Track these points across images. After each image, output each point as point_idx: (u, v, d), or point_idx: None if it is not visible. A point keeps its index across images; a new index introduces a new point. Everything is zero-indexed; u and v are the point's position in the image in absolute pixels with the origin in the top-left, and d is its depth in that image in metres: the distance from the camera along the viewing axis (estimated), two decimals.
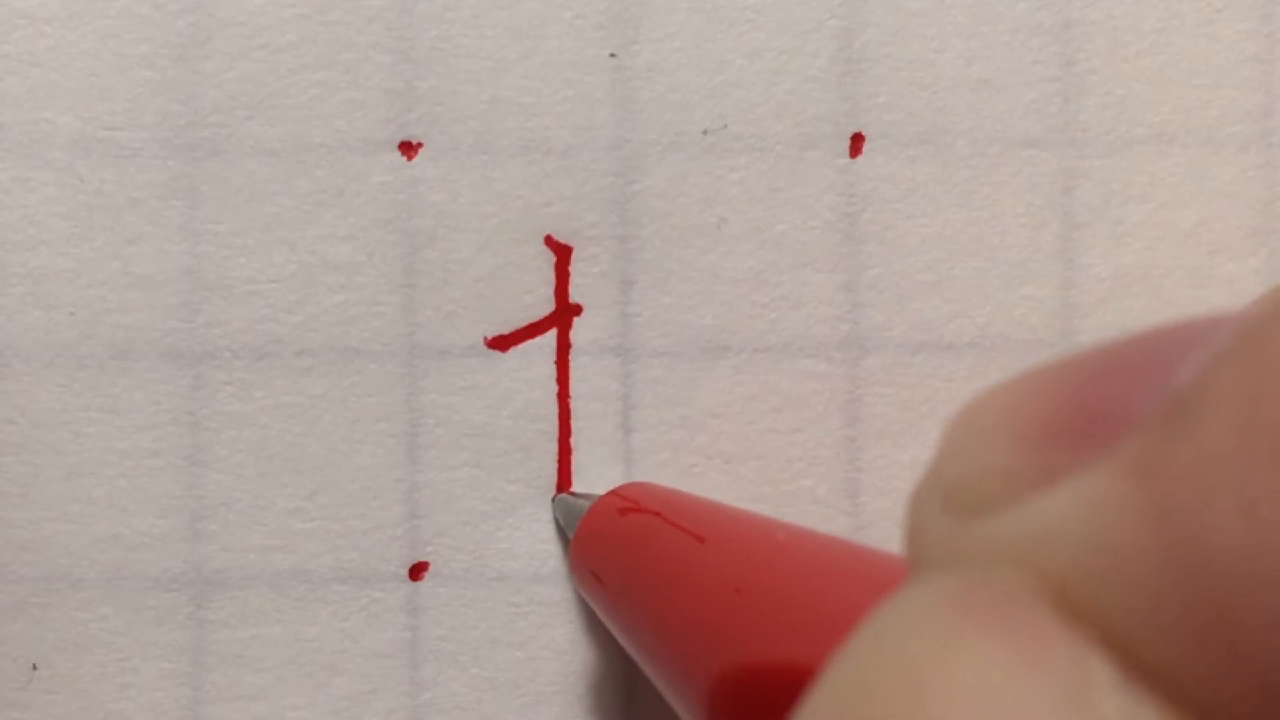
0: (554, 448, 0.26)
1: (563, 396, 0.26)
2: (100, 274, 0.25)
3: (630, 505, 0.23)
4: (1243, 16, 0.27)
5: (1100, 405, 0.10)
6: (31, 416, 0.25)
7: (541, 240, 0.26)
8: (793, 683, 0.14)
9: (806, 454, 0.26)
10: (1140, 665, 0.09)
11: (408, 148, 0.26)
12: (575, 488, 0.26)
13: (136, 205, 0.25)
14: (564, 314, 0.26)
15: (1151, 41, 0.27)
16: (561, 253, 0.26)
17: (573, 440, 0.26)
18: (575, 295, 0.26)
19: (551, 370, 0.26)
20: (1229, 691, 0.09)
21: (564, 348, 0.26)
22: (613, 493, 0.24)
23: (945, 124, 0.26)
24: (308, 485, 0.26)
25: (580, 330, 0.26)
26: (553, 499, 0.26)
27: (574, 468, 0.26)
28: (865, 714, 0.10)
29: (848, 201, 0.26)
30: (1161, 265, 0.27)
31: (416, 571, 0.26)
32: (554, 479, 0.26)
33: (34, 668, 0.25)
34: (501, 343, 0.26)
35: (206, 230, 0.26)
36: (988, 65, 0.26)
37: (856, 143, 0.26)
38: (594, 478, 0.26)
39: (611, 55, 0.26)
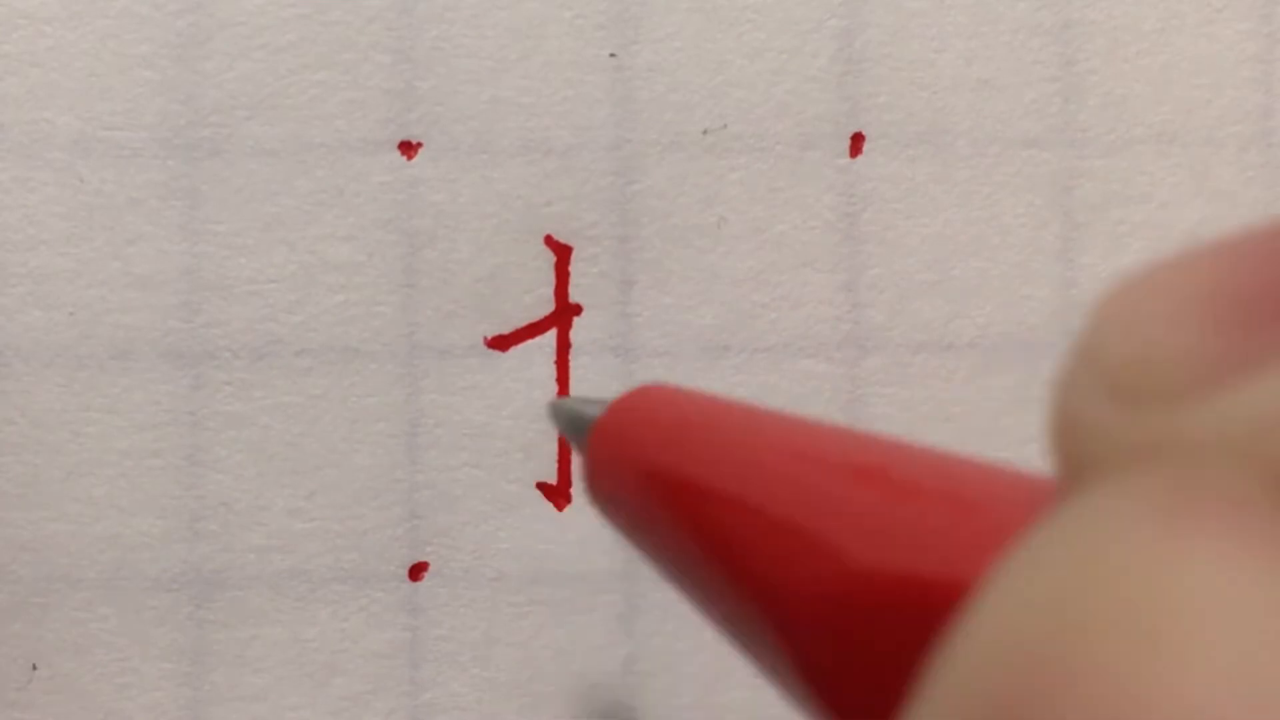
0: (554, 448, 0.26)
1: (563, 396, 0.26)
2: (100, 274, 0.25)
3: (660, 408, 0.19)
4: (1243, 16, 0.27)
5: None
6: (31, 416, 0.25)
7: (541, 240, 0.26)
8: (908, 605, 0.12)
9: None
10: None
11: (408, 148, 0.26)
12: (576, 483, 0.26)
13: (136, 205, 0.25)
14: (564, 314, 0.26)
15: (1151, 41, 0.27)
16: (561, 253, 0.26)
17: None
18: (575, 295, 0.26)
19: (551, 370, 0.26)
20: None
21: (564, 348, 0.26)
22: (633, 393, 0.21)
23: (945, 124, 0.26)
24: (307, 485, 0.26)
25: (580, 330, 0.26)
26: (549, 404, 0.24)
27: (574, 468, 0.26)
28: (1079, 636, 0.09)
29: (848, 201, 0.26)
30: None
31: (416, 571, 0.26)
32: (554, 479, 0.26)
33: (34, 668, 0.25)
34: (501, 343, 0.26)
35: (206, 230, 0.26)
36: (988, 65, 0.26)
37: (856, 143, 0.26)
38: None
39: (611, 55, 0.26)
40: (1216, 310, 0.10)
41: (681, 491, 0.18)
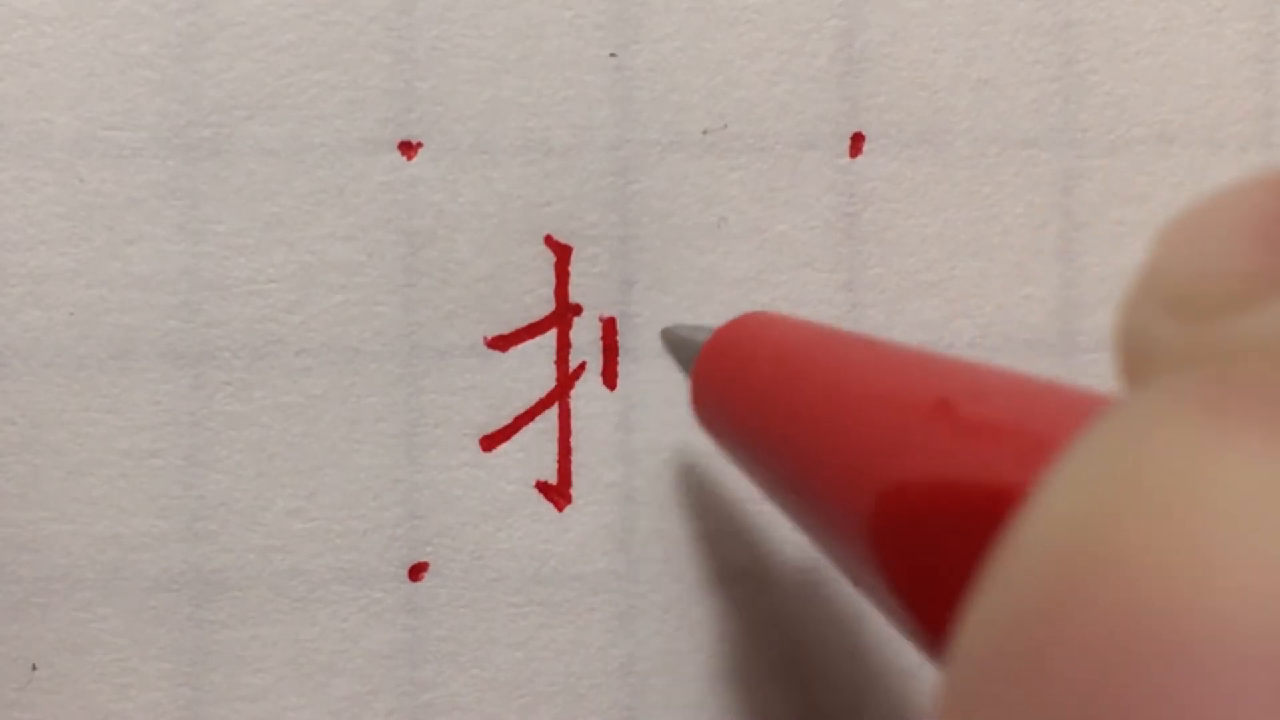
0: (554, 448, 0.26)
1: (563, 396, 0.26)
2: (100, 274, 0.25)
3: (763, 331, 0.21)
4: (1243, 16, 0.27)
5: None
6: (31, 416, 0.25)
7: (541, 240, 0.26)
8: (977, 507, 0.13)
9: None
10: None
11: (408, 148, 0.26)
12: (576, 483, 0.26)
13: (136, 205, 0.25)
14: (564, 314, 0.26)
15: (1151, 41, 0.27)
16: (561, 253, 0.26)
17: (573, 440, 0.26)
18: (575, 295, 0.26)
19: (551, 370, 0.26)
20: None
21: (564, 348, 0.26)
22: (734, 324, 0.22)
23: (945, 124, 0.26)
24: (307, 485, 0.26)
25: (580, 330, 0.26)
26: (661, 332, 0.25)
27: (574, 468, 0.26)
28: (1122, 519, 0.09)
29: (848, 201, 0.26)
30: None
31: (416, 572, 0.26)
32: (554, 479, 0.26)
33: (34, 668, 0.25)
34: (501, 343, 0.26)
35: (206, 230, 0.26)
36: (988, 65, 0.26)
37: (856, 143, 0.26)
38: (594, 478, 0.26)
39: (611, 55, 0.26)
40: (1267, 232, 0.10)
41: (775, 405, 0.19)
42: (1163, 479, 0.09)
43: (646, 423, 0.26)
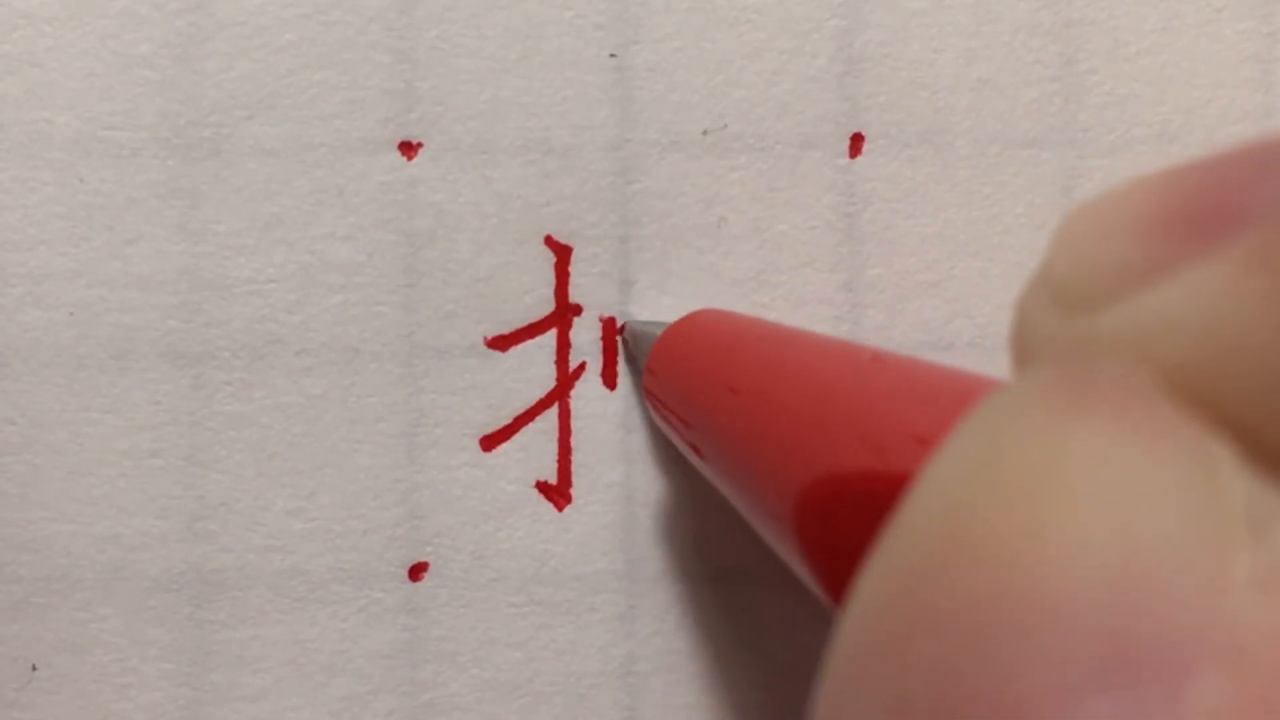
0: (554, 448, 0.26)
1: (563, 396, 0.26)
2: (100, 274, 0.25)
3: (705, 326, 0.23)
4: (1243, 16, 0.27)
5: (1215, 203, 0.10)
6: (31, 416, 0.25)
7: (541, 240, 0.26)
8: (883, 491, 0.14)
9: None
10: (1263, 450, 0.09)
11: (408, 148, 0.26)
12: (576, 483, 0.26)
13: (136, 205, 0.25)
14: (564, 314, 0.26)
15: (1151, 41, 0.27)
16: (561, 253, 0.26)
17: (573, 440, 0.26)
18: (575, 295, 0.26)
19: (551, 370, 0.26)
20: None
21: (564, 348, 0.26)
22: (687, 317, 0.24)
23: (945, 124, 0.26)
24: (307, 485, 0.26)
25: (580, 330, 0.26)
26: (621, 327, 0.26)
27: (574, 468, 0.26)
28: (977, 504, 0.10)
29: (848, 201, 0.26)
30: None
31: (416, 572, 0.26)
32: (554, 479, 0.26)
33: (34, 668, 0.25)
34: (501, 343, 0.26)
35: (206, 230, 0.26)
36: (988, 65, 0.26)
37: (856, 143, 0.26)
38: (594, 478, 0.26)
39: (611, 55, 0.26)
40: (1146, 226, 0.11)
41: (710, 396, 0.20)
42: (1017, 464, 0.10)
43: (646, 423, 0.26)
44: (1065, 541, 0.09)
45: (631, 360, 0.26)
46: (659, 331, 0.24)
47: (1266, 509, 0.09)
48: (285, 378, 0.26)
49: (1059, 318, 0.11)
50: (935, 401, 0.15)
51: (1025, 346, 0.11)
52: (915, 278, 0.26)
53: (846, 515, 0.15)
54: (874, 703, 0.10)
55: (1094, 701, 0.08)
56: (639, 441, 0.26)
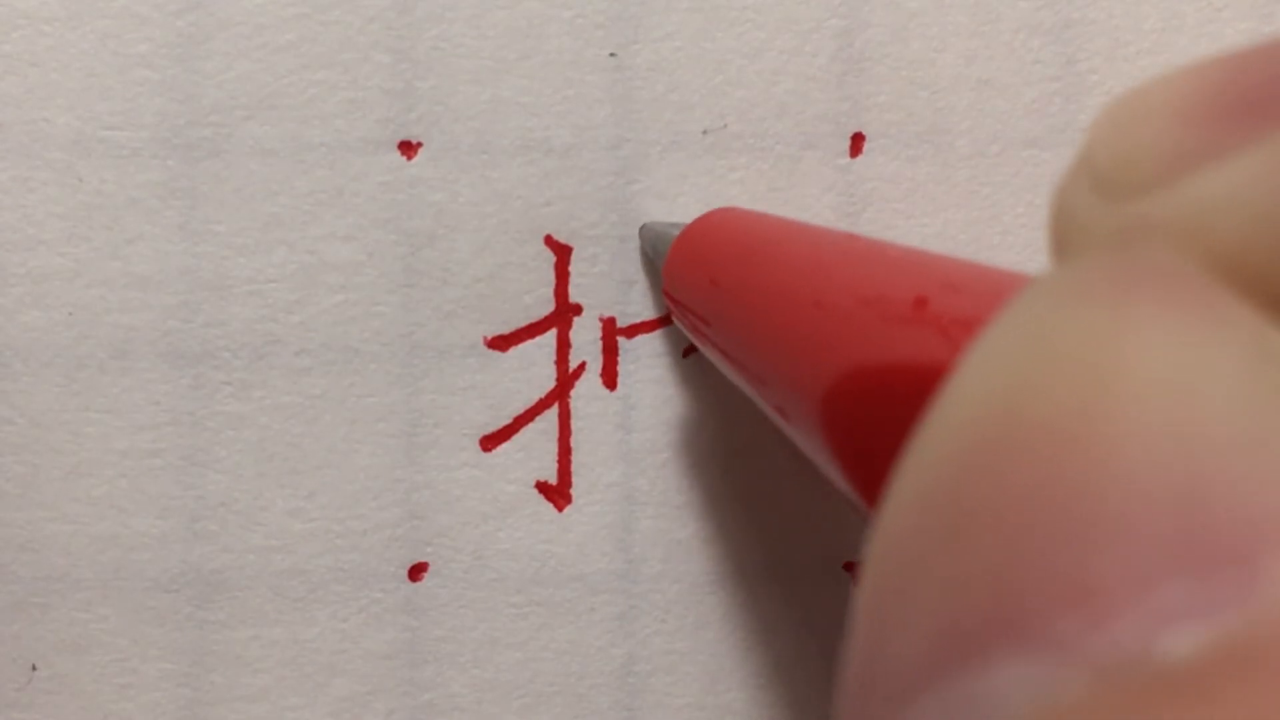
0: (554, 448, 0.26)
1: (563, 396, 0.26)
2: (99, 274, 0.25)
3: (726, 223, 0.23)
4: (1243, 16, 0.27)
5: (1261, 90, 0.10)
6: (31, 416, 0.25)
7: (541, 240, 0.26)
8: (916, 382, 0.13)
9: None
10: None
11: (408, 148, 0.26)
12: (576, 483, 0.26)
13: (135, 205, 0.25)
14: (564, 314, 0.26)
15: (1152, 41, 0.27)
16: (561, 253, 0.26)
17: (573, 440, 0.26)
18: (575, 295, 0.26)
19: (551, 370, 0.26)
20: None
21: (564, 347, 0.26)
22: (704, 217, 0.24)
23: (945, 124, 0.26)
24: (307, 485, 0.26)
25: (580, 330, 0.26)
26: (640, 228, 0.26)
27: (574, 468, 0.26)
28: (1033, 389, 0.09)
29: (848, 201, 0.26)
30: None
31: (416, 572, 0.26)
32: (554, 479, 0.26)
33: (34, 668, 0.25)
34: (501, 343, 0.26)
35: (206, 230, 0.26)
36: (988, 65, 0.26)
37: (856, 143, 0.26)
38: (594, 478, 0.26)
39: (611, 55, 0.26)
40: (1195, 112, 0.11)
41: (739, 294, 0.20)
42: (1072, 349, 0.10)
43: (646, 423, 0.26)
44: (1130, 425, 0.09)
45: (648, 261, 0.26)
46: (676, 232, 0.24)
47: None
48: (285, 378, 0.26)
49: (1102, 205, 0.11)
50: (969, 290, 0.14)
51: (1066, 236, 0.11)
52: None
53: (878, 408, 0.15)
54: (929, 600, 0.09)
55: (1168, 586, 0.08)
56: (639, 441, 0.26)
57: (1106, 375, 0.09)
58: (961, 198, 0.26)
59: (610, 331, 0.26)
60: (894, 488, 0.10)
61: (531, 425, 0.26)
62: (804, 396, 0.16)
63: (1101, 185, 0.11)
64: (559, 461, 0.26)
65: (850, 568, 0.26)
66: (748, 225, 0.22)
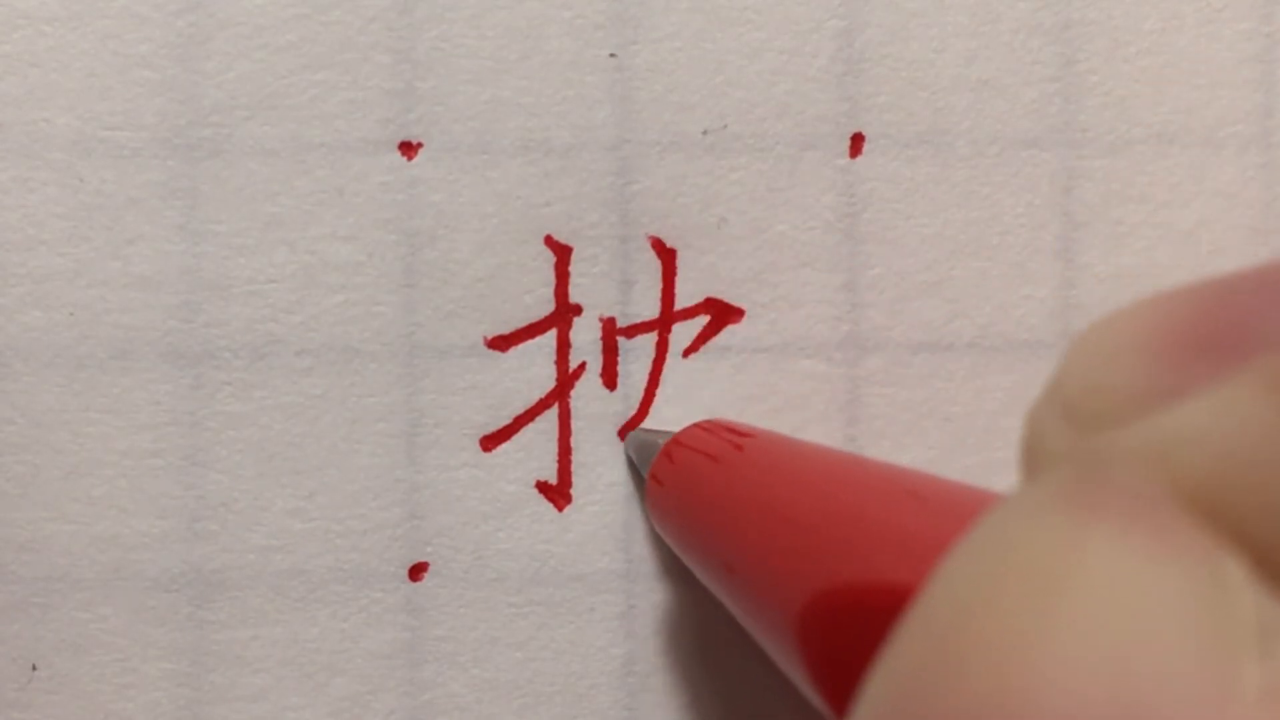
0: (554, 448, 0.26)
1: (563, 396, 0.26)
2: (100, 274, 0.25)
3: (711, 438, 0.23)
4: (1243, 16, 0.27)
5: (1229, 327, 0.11)
6: (31, 416, 0.25)
7: (541, 240, 0.26)
8: (886, 603, 0.14)
9: None
10: (1273, 567, 0.10)
11: (408, 148, 0.26)
12: (576, 483, 0.26)
13: (136, 205, 0.25)
14: (564, 314, 0.26)
15: (1151, 41, 0.27)
16: (561, 253, 0.26)
17: (573, 440, 0.26)
18: (575, 295, 0.26)
19: (551, 370, 0.26)
20: None
21: (564, 347, 0.26)
22: (690, 428, 0.24)
23: (945, 124, 0.26)
24: (307, 485, 0.26)
25: (580, 330, 0.26)
26: (626, 436, 0.26)
27: (574, 468, 0.26)
28: (982, 611, 0.10)
29: (848, 201, 0.26)
30: (1161, 265, 0.27)
31: (416, 572, 0.26)
32: (554, 479, 0.26)
33: (34, 668, 0.25)
34: (501, 343, 0.26)
35: (206, 230, 0.26)
36: (988, 65, 0.26)
37: (856, 143, 0.26)
38: (594, 478, 0.26)
39: (611, 55, 0.26)
40: (1162, 347, 0.11)
41: (713, 513, 0.21)
42: (1023, 571, 0.10)
43: (646, 423, 0.26)
44: (1070, 649, 0.09)
45: (634, 469, 0.26)
46: (662, 442, 0.24)
47: (1276, 623, 0.09)
48: (285, 378, 0.26)
49: (1071, 432, 0.11)
50: (940, 512, 0.15)
51: (1036, 459, 0.11)
52: (915, 278, 0.26)
53: (850, 628, 0.15)
54: None
55: None
56: None
57: (1051, 599, 0.09)
58: (961, 198, 0.26)
59: (610, 331, 0.26)
60: (861, 703, 0.11)
61: (531, 425, 0.26)
62: (780, 613, 0.17)
63: (1071, 414, 0.11)
64: (559, 461, 0.26)
65: None
66: (723, 452, 0.23)
